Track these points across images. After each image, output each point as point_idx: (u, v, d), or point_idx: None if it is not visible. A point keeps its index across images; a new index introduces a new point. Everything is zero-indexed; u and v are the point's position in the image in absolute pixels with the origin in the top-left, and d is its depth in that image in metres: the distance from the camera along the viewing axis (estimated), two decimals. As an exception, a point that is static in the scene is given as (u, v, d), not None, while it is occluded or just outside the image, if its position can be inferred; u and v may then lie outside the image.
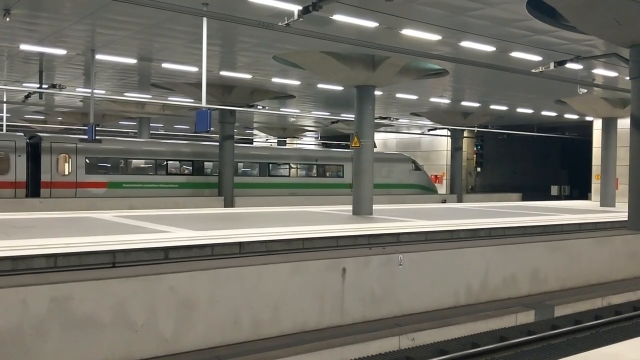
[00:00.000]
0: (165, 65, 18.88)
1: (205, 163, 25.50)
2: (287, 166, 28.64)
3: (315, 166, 29.23)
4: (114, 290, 6.34)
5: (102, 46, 16.40)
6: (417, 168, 32.82)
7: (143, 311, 6.48)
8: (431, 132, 37.65)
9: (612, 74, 19.28)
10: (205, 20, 12.69)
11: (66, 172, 22.05)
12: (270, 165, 27.89)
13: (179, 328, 6.70)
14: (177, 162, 25.24)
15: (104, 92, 24.99)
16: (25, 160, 21.27)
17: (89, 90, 18.57)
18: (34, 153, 21.77)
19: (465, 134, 34.96)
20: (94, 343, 6.17)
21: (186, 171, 25.32)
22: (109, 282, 6.34)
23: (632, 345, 4.97)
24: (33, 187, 21.59)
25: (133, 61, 18.46)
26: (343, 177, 29.58)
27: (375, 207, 18.44)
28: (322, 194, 27.19)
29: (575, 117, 31.78)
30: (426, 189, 32.71)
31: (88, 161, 22.69)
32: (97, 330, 6.19)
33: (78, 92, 23.46)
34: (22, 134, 22.51)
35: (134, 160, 24.30)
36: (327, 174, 29.56)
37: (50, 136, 22.83)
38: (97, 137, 21.12)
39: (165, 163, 24.52)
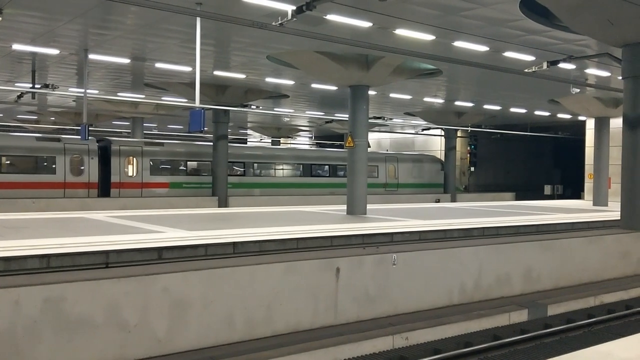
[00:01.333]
0: (158, 65, 18.83)
1: (247, 164, 27.66)
2: (327, 167, 30.27)
3: (336, 167, 30.63)
4: (107, 290, 6.32)
5: (95, 46, 16.34)
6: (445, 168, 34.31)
7: (136, 312, 6.46)
8: (425, 132, 37.71)
9: (605, 73, 19.36)
10: (198, 20, 12.66)
11: (133, 174, 23.85)
12: (312, 166, 29.72)
13: (172, 328, 6.69)
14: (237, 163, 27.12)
15: (97, 92, 24.90)
16: (97, 163, 22.89)
17: (82, 90, 18.51)
18: (103, 156, 23.32)
19: (459, 133, 35.04)
20: (87, 344, 6.15)
21: (238, 172, 27.23)
22: (102, 283, 6.32)
23: (624, 343, 4.99)
24: (104, 188, 23.07)
25: (126, 61, 18.40)
26: (378, 177, 31.28)
27: (369, 207, 18.46)
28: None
29: (568, 116, 31.91)
30: (454, 188, 34.21)
31: (152, 163, 24.41)
32: (90, 331, 6.18)
33: (71, 92, 23.36)
34: (93, 138, 23.85)
35: (190, 162, 26.01)
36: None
37: (118, 140, 24.71)
38: (159, 141, 24.73)
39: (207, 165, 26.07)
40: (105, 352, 6.24)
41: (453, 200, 32.10)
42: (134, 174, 23.87)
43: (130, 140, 26.84)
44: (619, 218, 13.47)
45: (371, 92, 20.89)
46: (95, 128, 33.82)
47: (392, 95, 25.49)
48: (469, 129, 32.51)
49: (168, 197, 23.77)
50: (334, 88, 22.91)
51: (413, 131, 39.57)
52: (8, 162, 21.72)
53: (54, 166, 22.14)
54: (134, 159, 23.95)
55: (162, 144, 25.76)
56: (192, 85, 16.85)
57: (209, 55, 17.38)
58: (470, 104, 28.39)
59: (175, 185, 24.83)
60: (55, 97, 26.87)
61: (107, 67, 19.78)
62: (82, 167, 22.55)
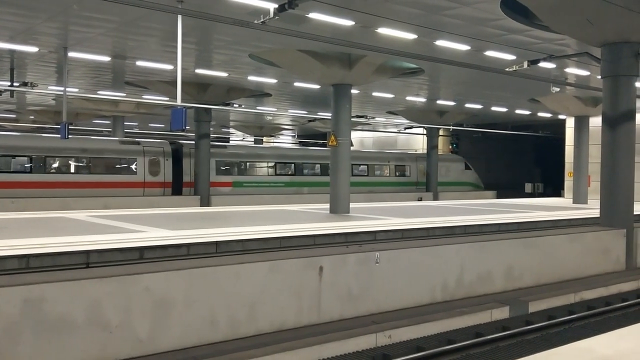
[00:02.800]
0: (139, 63, 18.67)
1: (306, 164, 29.77)
2: (366, 167, 32.14)
3: (388, 167, 32.84)
4: (88, 291, 6.26)
5: (75, 44, 16.15)
6: (468, 167, 36.43)
7: (118, 312, 6.41)
8: (407, 131, 37.86)
9: (584, 72, 19.58)
10: (180, 17, 12.57)
11: None
12: (352, 166, 31.24)
13: (154, 329, 6.64)
14: (284, 164, 29.08)
15: (77, 90, 24.60)
16: (171, 164, 24.71)
17: (62, 89, 18.29)
18: (176, 157, 25.07)
19: (441, 132, 35.23)
20: (68, 345, 6.08)
21: (289, 172, 29.06)
22: (83, 283, 6.25)
23: (604, 339, 5.05)
24: (176, 187, 24.83)
25: (107, 59, 18.22)
26: (410, 176, 33.53)
27: (352, 205, 18.49)
28: (394, 192, 31.35)
29: (548, 115, 32.23)
30: (476, 186, 36.58)
31: (218, 164, 26.17)
32: (71, 331, 6.11)
33: (50, 90, 23.08)
34: (167, 141, 26.14)
35: (251, 163, 28.03)
36: (397, 174, 33.27)
37: (188, 143, 26.19)
38: (222, 143, 27.24)
39: (274, 165, 28.50)
40: (86, 353, 6.18)
41: (435, 198, 32.29)
42: None
43: None
44: (599, 215, 13.63)
45: (354, 91, 20.91)
46: (76, 127, 33.46)
47: (374, 94, 25.54)
48: (451, 127, 32.72)
49: (231, 195, 25.66)
50: (317, 87, 22.90)
51: (395, 130, 39.69)
52: (97, 163, 23.49)
53: (135, 167, 23.95)
54: None
55: (225, 146, 28.31)
56: (174, 83, 16.69)
57: (190, 53, 17.27)
58: (452, 103, 28.55)
59: (237, 184, 26.80)
60: (34, 96, 26.52)
61: (87, 65, 19.56)
62: (159, 168, 24.37)
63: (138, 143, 24.82)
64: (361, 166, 31.70)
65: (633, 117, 13.02)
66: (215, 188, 25.20)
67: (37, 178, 21.89)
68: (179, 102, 13.84)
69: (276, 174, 28.40)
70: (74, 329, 6.13)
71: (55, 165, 22.82)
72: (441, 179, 33.52)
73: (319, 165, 29.70)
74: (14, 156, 21.92)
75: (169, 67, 18.94)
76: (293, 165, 29.07)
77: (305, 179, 29.23)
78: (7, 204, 19.47)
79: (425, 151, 34.86)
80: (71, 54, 17.10)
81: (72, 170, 23.12)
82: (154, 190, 23.90)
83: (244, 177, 27.29)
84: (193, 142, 25.35)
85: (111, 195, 22.49)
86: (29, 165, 22.02)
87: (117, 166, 23.94)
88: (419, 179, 33.92)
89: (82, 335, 6.17)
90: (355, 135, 42.08)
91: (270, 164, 28.37)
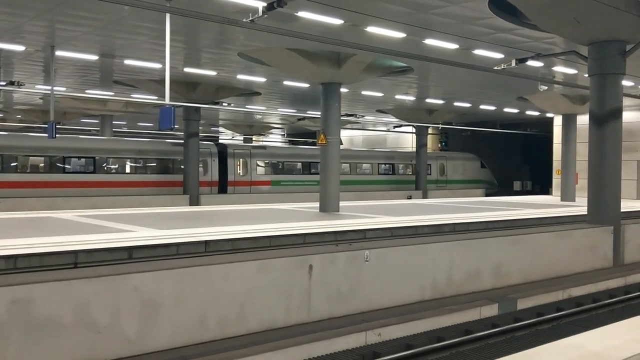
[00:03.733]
0: (127, 61, 18.57)
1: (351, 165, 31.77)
2: (391, 166, 34.17)
3: (411, 165, 34.44)
4: (77, 291, 6.21)
5: (63, 42, 16.04)
6: (484, 166, 38.23)
7: (106, 312, 6.37)
8: (396, 129, 37.93)
9: (572, 71, 19.71)
10: (168, 16, 12.51)
11: (244, 173, 27.50)
12: (378, 165, 33.68)
13: (143, 328, 6.60)
14: (316, 164, 29.60)
15: (64, 89, 24.44)
16: (217, 164, 26.50)
17: (49, 88, 18.16)
18: (221, 158, 26.86)
19: (430, 130, 35.34)
20: (57, 345, 6.04)
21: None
22: (71, 283, 6.21)
23: (592, 335, 5.09)
24: (222, 186, 26.66)
25: (94, 58, 18.10)
26: (431, 174, 34.89)
27: (342, 204, 18.50)
28: (417, 189, 32.96)
29: (536, 113, 32.41)
30: (491, 184, 38.28)
31: (258, 164, 28.09)
32: (59, 332, 6.06)
33: (38, 89, 22.90)
34: (212, 142, 28.23)
35: (287, 163, 29.96)
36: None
37: (232, 144, 28.74)
38: (261, 144, 29.19)
39: (309, 164, 30.27)
40: (74, 354, 6.14)
41: (424, 196, 32.40)
42: (245, 174, 27.48)
43: (241, 144, 31.93)
44: (586, 213, 13.73)
45: (343, 90, 20.92)
46: (63, 126, 33.24)
47: (364, 92, 25.57)
48: (440, 126, 32.84)
49: (270, 193, 27.32)
50: (306, 85, 22.89)
51: (385, 128, 39.75)
52: (154, 164, 25.19)
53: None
54: (245, 160, 27.59)
55: (264, 147, 30.18)
56: (162, 82, 16.65)
57: (179, 52, 17.21)
58: (441, 102, 28.64)
59: (275, 183, 28.58)
60: (21, 95, 26.31)
61: (75, 64, 19.43)
62: (207, 168, 26.07)
63: None
64: (386, 165, 33.66)
65: (620, 115, 13.12)
66: (255, 187, 27.44)
67: (100, 178, 23.66)
68: (167, 101, 13.78)
69: (310, 173, 30.16)
70: (62, 329, 6.08)
71: (115, 166, 24.53)
72: (458, 177, 36.10)
73: (347, 165, 31.65)
74: (79, 157, 23.50)
75: (158, 65, 18.85)
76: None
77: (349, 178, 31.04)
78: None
79: (414, 149, 34.98)
80: (58, 53, 16.98)
81: (128, 170, 24.86)
82: (203, 188, 25.21)
83: (281, 177, 29.07)
84: (237, 143, 26.10)
85: (160, 194, 23.98)
86: (96, 166, 23.74)
87: (170, 166, 25.47)
88: (439, 177, 35.75)
89: (70, 335, 6.13)
90: (345, 134, 42.11)
91: (305, 164, 30.35)
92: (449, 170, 36.34)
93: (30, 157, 22.53)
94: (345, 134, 41.77)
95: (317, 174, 28.87)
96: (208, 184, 26.08)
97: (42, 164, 22.80)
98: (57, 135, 18.18)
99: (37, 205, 19.86)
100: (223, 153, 27.06)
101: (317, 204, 18.47)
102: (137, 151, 24.96)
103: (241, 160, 27.55)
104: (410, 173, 34.43)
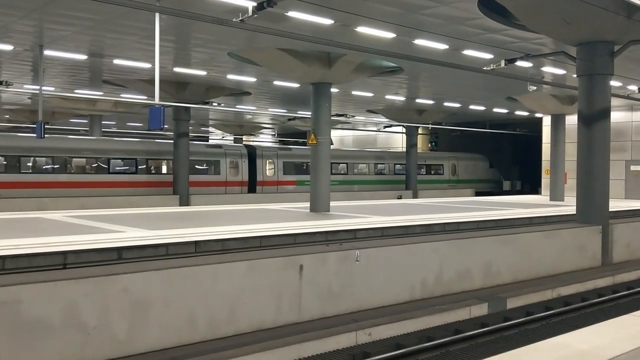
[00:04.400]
0: (117, 61, 18.47)
1: (356, 164, 33.21)
2: (387, 166, 35.14)
3: (426, 166, 36.15)
4: (65, 292, 6.18)
5: (51, 42, 15.93)
6: (492, 166, 40.15)
7: (95, 313, 6.34)
8: (387, 129, 37.99)
9: (561, 71, 19.82)
10: (157, 15, 12.46)
11: (271, 174, 28.94)
12: (395, 166, 35.36)
13: (133, 329, 6.58)
14: (338, 164, 32.31)
15: (53, 89, 24.28)
16: (247, 165, 28.02)
17: (38, 87, 18.03)
18: (251, 159, 28.32)
19: (420, 130, 35.42)
20: (45, 347, 6.00)
21: (343, 171, 32.62)
22: (60, 284, 6.17)
23: (581, 334, 5.12)
24: (251, 185, 28.13)
25: (83, 57, 17.99)
26: (443, 174, 36.96)
27: (332, 204, 18.51)
28: (430, 189, 34.76)
29: (525, 113, 32.57)
30: (498, 183, 39.99)
31: (284, 165, 29.60)
32: (48, 333, 6.03)
33: (26, 89, 22.73)
34: (242, 145, 30.38)
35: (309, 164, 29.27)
36: (432, 172, 36.69)
37: (261, 146, 30.34)
38: (288, 146, 31.88)
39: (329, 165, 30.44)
40: (63, 355, 6.10)
41: (415, 196, 32.47)
42: (272, 174, 28.87)
43: (269, 146, 33.70)
44: (575, 212, 13.81)
45: (334, 90, 20.92)
46: (52, 126, 33.01)
47: (354, 92, 25.58)
48: (430, 126, 32.92)
49: (295, 192, 28.44)
50: (297, 85, 22.87)
51: (375, 128, 39.79)
52: (190, 165, 25.76)
53: (219, 168, 27.26)
54: (272, 161, 29.02)
55: (290, 149, 31.38)
56: (152, 82, 16.55)
57: (168, 51, 17.14)
58: (431, 102, 28.71)
59: (299, 182, 29.94)
60: (9, 95, 26.11)
61: (64, 64, 19.30)
62: (238, 169, 27.72)
63: (220, 147, 28.36)
64: (381, 165, 34.74)
65: (608, 115, 13.21)
66: (282, 186, 28.86)
67: (147, 178, 25.14)
68: (157, 100, 13.72)
69: (332, 173, 30.66)
70: (50, 330, 6.04)
71: (150, 166, 25.81)
72: (468, 176, 38.06)
73: (365, 165, 33.43)
74: (122, 159, 24.73)
75: (147, 65, 18.77)
76: (346, 165, 32.67)
77: (356, 177, 32.96)
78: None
79: (404, 149, 35.07)
80: (47, 52, 16.86)
81: (164, 170, 26.10)
82: (234, 188, 27.20)
83: (305, 177, 29.80)
84: (264, 145, 26.50)
85: (198, 193, 25.23)
86: (146, 166, 25.34)
87: (205, 167, 27.11)
88: (450, 177, 37.38)
89: (59, 337, 6.09)
90: (335, 134, 42.11)
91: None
92: (460, 170, 37.91)
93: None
94: (335, 134, 41.77)
95: (337, 173, 32.04)
96: (239, 184, 27.76)
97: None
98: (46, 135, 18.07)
99: (26, 205, 19.74)
100: (252, 154, 28.46)
101: (307, 204, 18.45)
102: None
103: (268, 161, 28.91)
104: (432, 173, 36.41)
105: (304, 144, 35.54)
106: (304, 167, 30.33)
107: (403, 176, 33.79)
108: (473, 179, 38.40)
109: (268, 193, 27.82)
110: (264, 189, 28.30)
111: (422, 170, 35.63)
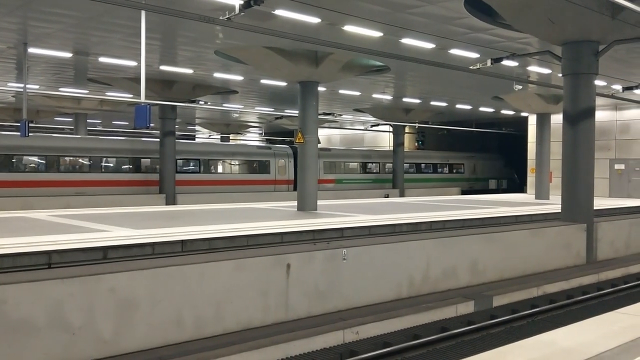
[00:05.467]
0: (102, 59, 18.33)
1: (378, 164, 35.26)
2: (432, 166, 37.86)
3: (449, 165, 38.68)
4: (50, 292, 6.12)
5: (35, 39, 15.77)
6: (507, 165, 42.62)
7: (81, 313, 6.28)
8: (374, 128, 38.06)
9: (546, 71, 19.96)
10: (143, 13, 12.37)
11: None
12: (418, 165, 37.65)
13: (119, 329, 6.53)
14: (372, 164, 34.85)
15: (37, 87, 24.05)
16: (293, 164, 30.02)
17: (22, 85, 17.85)
18: (296, 159, 28.31)
19: (407, 129, 35.53)
20: (30, 347, 5.94)
21: (375, 170, 35.01)
22: (45, 284, 6.11)
23: (566, 332, 5.16)
24: (296, 184, 28.62)
25: (68, 55, 17.83)
26: (464, 172, 39.72)
27: (319, 202, 18.51)
28: (448, 186, 37.25)
29: (511, 113, 32.78)
30: (513, 180, 42.30)
31: (324, 164, 31.50)
32: (33, 334, 5.97)
33: (10, 87, 22.49)
34: (288, 145, 32.01)
35: (346, 163, 33.52)
36: (454, 171, 39.25)
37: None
38: (327, 147, 34.93)
39: (363, 164, 34.29)
40: (48, 356, 6.05)
41: (401, 195, 32.58)
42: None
43: None
44: (560, 211, 13.92)
45: (321, 88, 20.91)
46: (36, 124, 32.70)
47: (341, 91, 25.59)
48: (417, 125, 33.04)
49: (334, 190, 30.26)
50: (284, 84, 22.83)
51: (362, 127, 39.85)
52: (245, 165, 28.76)
53: (269, 168, 29.34)
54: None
55: (329, 150, 33.37)
56: (138, 80, 16.47)
57: (154, 49, 17.04)
58: (417, 101, 28.80)
59: (338, 181, 32.42)
60: (-7, 92, 25.84)
61: (48, 62, 19.12)
62: (285, 168, 29.81)
63: (269, 147, 30.44)
64: (426, 165, 37.47)
65: (592, 114, 13.32)
66: (322, 184, 29.32)
67: (199, 177, 26.80)
68: (143, 99, 13.64)
69: (366, 172, 34.32)
70: (35, 331, 5.99)
71: (212, 166, 27.70)
72: (487, 175, 41.00)
73: (391, 164, 34.54)
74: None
75: (133, 63, 18.64)
76: (378, 164, 34.91)
77: (386, 176, 34.65)
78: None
79: (391, 148, 35.17)
80: (31, 50, 16.69)
81: (220, 170, 28.21)
82: (281, 187, 29.15)
83: (343, 175, 33.00)
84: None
85: (249, 191, 27.02)
86: (200, 167, 27.13)
87: (255, 166, 29.10)
88: (469, 175, 40.11)
89: (44, 337, 6.03)
90: (322, 133, 42.11)
91: (362, 164, 34.19)
92: (478, 169, 40.74)
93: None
94: (322, 133, 41.78)
95: (372, 172, 34.63)
96: (286, 182, 29.84)
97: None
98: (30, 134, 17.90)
99: (10, 205, 19.53)
100: (297, 155, 28.46)
101: (294, 203, 18.44)
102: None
103: None
104: (448, 172, 38.61)
105: (292, 142, 35.61)
106: (342, 167, 33.07)
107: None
108: (491, 177, 41.36)
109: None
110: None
111: (445, 168, 38.15)
